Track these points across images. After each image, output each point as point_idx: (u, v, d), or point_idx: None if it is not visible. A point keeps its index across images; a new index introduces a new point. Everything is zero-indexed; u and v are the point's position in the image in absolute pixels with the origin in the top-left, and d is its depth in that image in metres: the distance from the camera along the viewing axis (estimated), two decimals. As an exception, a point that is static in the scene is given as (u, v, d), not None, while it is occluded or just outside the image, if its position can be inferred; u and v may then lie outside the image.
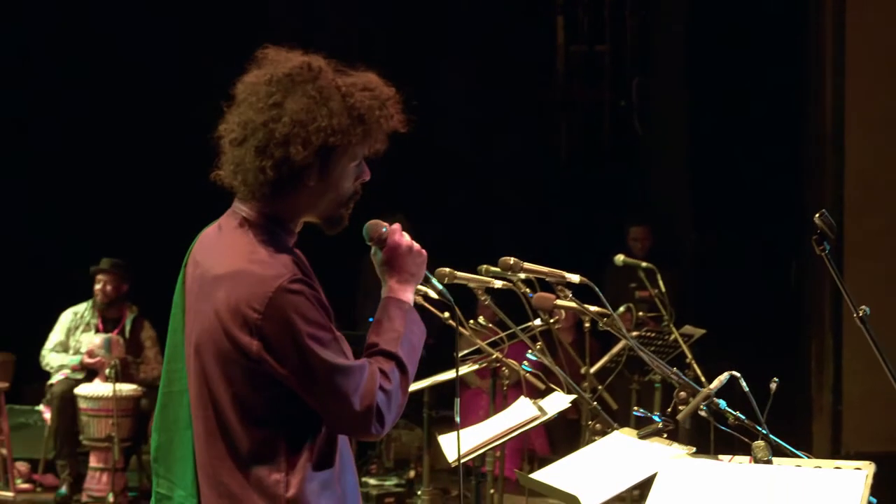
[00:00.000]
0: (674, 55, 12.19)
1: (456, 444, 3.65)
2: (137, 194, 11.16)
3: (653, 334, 7.80)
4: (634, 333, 7.43)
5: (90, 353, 9.27)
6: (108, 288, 9.50)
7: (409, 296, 3.11)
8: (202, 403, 2.99)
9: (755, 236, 10.75)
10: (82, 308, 9.60)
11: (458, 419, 3.34)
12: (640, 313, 8.12)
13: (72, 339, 9.51)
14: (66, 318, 9.58)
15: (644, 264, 7.74)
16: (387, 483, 9.62)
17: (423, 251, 3.16)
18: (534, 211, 12.70)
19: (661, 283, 7.51)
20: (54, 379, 9.42)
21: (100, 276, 9.53)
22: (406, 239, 3.13)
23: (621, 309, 7.61)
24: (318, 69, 2.96)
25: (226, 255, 2.97)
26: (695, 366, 7.03)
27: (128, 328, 9.56)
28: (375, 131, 2.98)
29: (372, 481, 9.64)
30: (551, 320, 4.89)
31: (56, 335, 9.54)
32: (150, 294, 8.75)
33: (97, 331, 9.47)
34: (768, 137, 10.60)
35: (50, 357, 9.49)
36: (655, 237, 10.42)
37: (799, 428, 9.90)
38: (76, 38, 11.43)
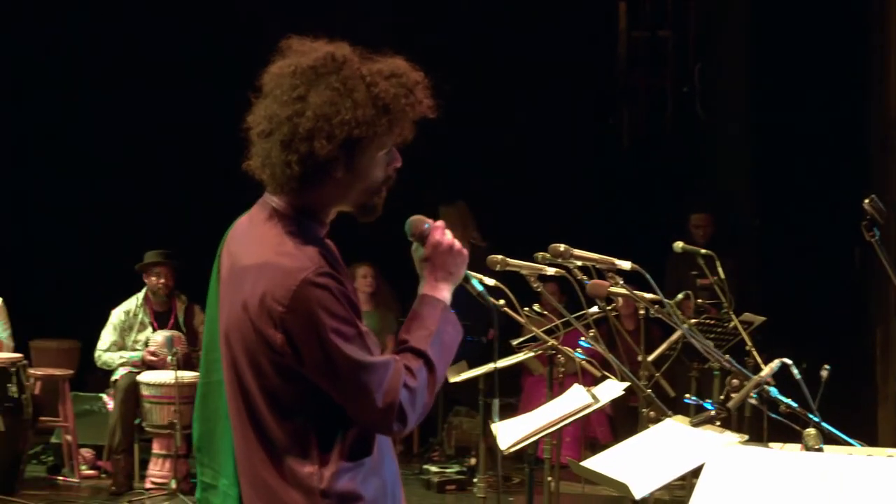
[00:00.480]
0: (736, 41, 12.09)
1: (509, 433, 3.67)
2: (176, 184, 11.45)
3: (712, 322, 7.74)
4: (693, 321, 7.37)
5: (153, 353, 9.28)
6: (170, 281, 9.53)
7: (445, 294, 3.06)
8: (234, 394, 2.98)
9: (818, 222, 10.64)
10: (132, 305, 9.53)
11: (496, 418, 3.34)
12: (700, 300, 8.04)
13: (128, 340, 9.45)
14: (118, 317, 9.50)
15: (703, 251, 7.67)
16: (448, 470, 9.63)
17: (465, 251, 3.12)
18: (595, 197, 12.66)
19: (720, 270, 7.44)
20: (118, 374, 9.37)
21: (157, 270, 9.48)
22: (448, 237, 3.09)
23: (680, 296, 7.53)
24: (343, 59, 2.92)
25: (254, 246, 2.96)
26: (755, 353, 6.95)
27: (181, 319, 9.57)
28: (402, 120, 2.93)
29: (433, 468, 9.66)
30: (608, 307, 4.86)
31: (109, 335, 9.47)
32: (189, 283, 8.88)
33: (153, 329, 9.48)
34: (831, 122, 10.49)
35: (106, 356, 9.44)
36: (717, 224, 10.33)
37: (864, 416, 9.80)
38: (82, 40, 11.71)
